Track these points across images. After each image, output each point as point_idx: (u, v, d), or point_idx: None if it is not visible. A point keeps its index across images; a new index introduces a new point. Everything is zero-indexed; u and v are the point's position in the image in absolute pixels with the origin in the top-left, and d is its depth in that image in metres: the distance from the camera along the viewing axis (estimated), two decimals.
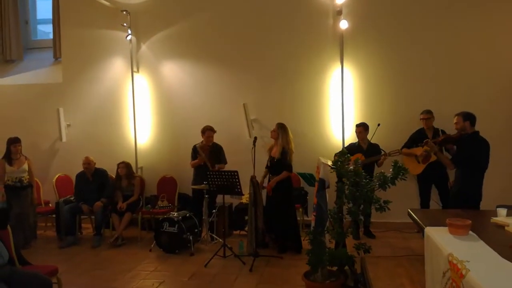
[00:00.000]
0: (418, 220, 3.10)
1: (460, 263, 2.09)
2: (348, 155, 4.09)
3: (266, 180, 5.55)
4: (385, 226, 6.12)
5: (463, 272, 2.01)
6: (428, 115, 5.56)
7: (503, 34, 5.90)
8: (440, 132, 5.29)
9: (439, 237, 2.58)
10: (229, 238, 5.85)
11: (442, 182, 5.42)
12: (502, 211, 2.93)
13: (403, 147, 5.63)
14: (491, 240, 2.52)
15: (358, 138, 5.87)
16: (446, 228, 2.65)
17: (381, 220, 6.04)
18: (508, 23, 5.87)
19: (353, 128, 5.99)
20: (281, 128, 5.38)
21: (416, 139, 5.54)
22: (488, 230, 2.78)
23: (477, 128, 4.32)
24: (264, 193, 5.43)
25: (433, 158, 5.16)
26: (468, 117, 4.20)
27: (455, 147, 4.87)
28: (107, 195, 6.07)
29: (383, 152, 5.62)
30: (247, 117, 6.53)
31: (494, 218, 2.92)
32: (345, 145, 6.15)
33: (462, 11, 5.98)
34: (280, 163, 5.30)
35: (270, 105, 6.59)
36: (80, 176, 6.24)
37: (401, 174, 3.65)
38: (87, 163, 6.15)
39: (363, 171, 4.00)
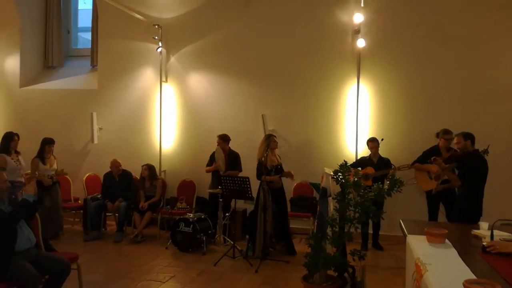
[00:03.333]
0: (404, 229, 3.30)
1: (423, 265, 2.32)
2: (349, 167, 4.29)
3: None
4: (394, 239, 6.24)
5: (423, 272, 2.24)
6: (449, 136, 5.47)
7: None
8: (453, 151, 5.39)
9: (416, 244, 2.79)
10: (241, 241, 6.16)
11: (449, 199, 5.51)
12: (484, 225, 3.09)
13: (414, 162, 5.76)
14: (465, 249, 2.71)
15: (371, 152, 6.06)
16: (425, 236, 2.85)
17: (392, 233, 6.21)
18: None
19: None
20: None
21: (429, 155, 5.65)
22: (466, 241, 2.96)
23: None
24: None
25: (445, 176, 5.27)
26: (469, 137, 4.36)
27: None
28: (129, 196, 6.52)
29: (393, 167, 5.79)
30: (265, 127, 6.84)
31: (475, 230, 3.09)
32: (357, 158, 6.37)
33: (480, 32, 6.10)
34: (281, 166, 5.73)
35: (288, 117, 6.89)
36: (107, 176, 6.74)
37: (397, 186, 3.84)
38: (115, 166, 6.65)
39: (380, 183, 4.22)
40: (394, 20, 6.41)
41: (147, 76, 7.53)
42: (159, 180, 6.68)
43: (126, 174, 6.71)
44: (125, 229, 6.47)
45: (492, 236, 2.64)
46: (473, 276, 2.12)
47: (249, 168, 6.32)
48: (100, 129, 7.59)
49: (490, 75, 6.08)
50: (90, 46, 8.20)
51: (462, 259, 2.44)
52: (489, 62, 6.08)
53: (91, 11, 8.13)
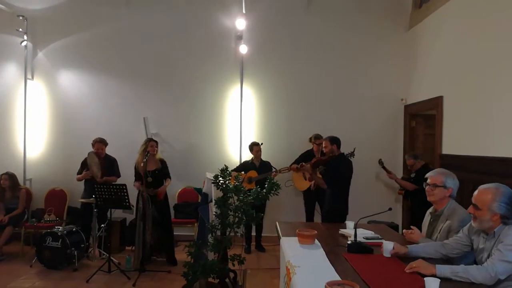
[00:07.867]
0: (279, 231, 3.37)
1: (292, 267, 2.35)
2: (229, 171, 4.26)
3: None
4: (277, 240, 6.41)
5: (291, 275, 2.26)
6: (319, 141, 5.95)
7: (389, 69, 6.58)
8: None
9: (288, 246, 2.84)
10: (120, 253, 5.78)
11: (323, 200, 5.86)
12: (350, 224, 3.29)
13: (292, 164, 6.02)
14: (333, 249, 2.83)
15: (255, 156, 6.14)
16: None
17: (274, 234, 6.35)
18: (393, 59, 6.58)
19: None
20: (157, 142, 5.51)
21: (305, 158, 5.98)
22: (334, 241, 3.11)
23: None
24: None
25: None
26: (335, 141, 4.62)
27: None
28: None
29: (274, 169, 5.95)
30: (147, 130, 6.53)
31: (342, 230, 3.27)
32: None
33: (353, 45, 6.59)
34: (162, 172, 5.42)
35: (171, 120, 6.67)
36: None
37: (274, 189, 3.91)
38: None
39: (258, 186, 4.20)
40: (272, 27, 6.61)
41: (8, 72, 6.66)
42: (22, 190, 5.91)
43: None
44: None
45: (355, 235, 2.79)
46: (337, 277, 2.19)
47: (129, 174, 5.96)
48: None
49: (359, 83, 6.60)
50: None
51: (329, 260, 2.53)
52: (358, 71, 6.60)
53: None
